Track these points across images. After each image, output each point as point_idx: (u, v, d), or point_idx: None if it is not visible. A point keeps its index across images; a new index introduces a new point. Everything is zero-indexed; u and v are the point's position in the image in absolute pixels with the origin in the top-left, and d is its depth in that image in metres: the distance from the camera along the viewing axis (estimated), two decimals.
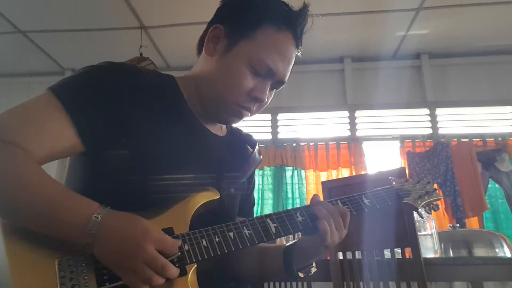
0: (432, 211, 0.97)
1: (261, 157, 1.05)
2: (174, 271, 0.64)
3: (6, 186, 0.65)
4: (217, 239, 0.72)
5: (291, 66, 0.89)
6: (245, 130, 1.05)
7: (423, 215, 0.96)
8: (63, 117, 0.72)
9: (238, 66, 0.83)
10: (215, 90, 0.86)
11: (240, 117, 0.88)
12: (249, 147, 1.01)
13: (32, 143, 0.69)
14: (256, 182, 1.10)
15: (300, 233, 0.85)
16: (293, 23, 0.87)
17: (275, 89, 0.91)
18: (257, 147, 1.03)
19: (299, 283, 1.90)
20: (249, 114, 0.89)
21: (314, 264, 0.88)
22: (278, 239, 2.20)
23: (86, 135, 0.74)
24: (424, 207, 0.96)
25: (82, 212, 0.64)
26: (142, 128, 0.78)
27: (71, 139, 0.73)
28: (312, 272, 0.86)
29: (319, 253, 0.83)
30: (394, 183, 0.97)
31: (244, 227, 0.76)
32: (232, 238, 0.73)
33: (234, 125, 1.00)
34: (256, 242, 0.75)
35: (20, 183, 0.65)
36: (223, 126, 0.99)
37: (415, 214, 0.99)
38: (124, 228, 0.64)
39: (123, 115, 0.77)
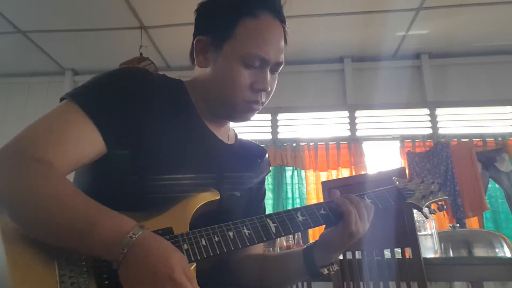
0: (438, 211, 0.95)
1: (270, 168, 1.05)
2: None
3: (36, 204, 0.65)
4: (216, 239, 0.72)
5: (282, 44, 0.88)
6: (245, 129, 1.05)
7: (428, 215, 0.94)
8: (87, 122, 0.73)
9: (231, 67, 0.84)
10: (220, 96, 0.87)
11: (252, 111, 0.89)
12: (258, 158, 1.01)
13: (59, 156, 0.69)
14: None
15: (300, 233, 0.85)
16: (266, 2, 0.86)
17: (276, 72, 0.91)
18: (266, 156, 1.04)
19: (299, 283, 1.90)
20: (260, 105, 0.89)
21: (335, 263, 0.86)
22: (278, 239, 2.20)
23: (111, 140, 0.75)
24: (428, 207, 0.94)
25: (119, 229, 0.63)
26: (148, 130, 0.79)
27: (98, 144, 0.74)
28: (335, 270, 0.84)
29: (342, 244, 0.81)
30: (397, 183, 0.95)
31: (244, 227, 0.76)
32: (232, 237, 0.73)
33: (236, 124, 1.00)
34: (256, 242, 0.75)
35: (50, 200, 0.65)
36: (231, 135, 0.99)
37: (418, 214, 0.98)
38: (152, 258, 0.61)
39: (136, 118, 0.78)
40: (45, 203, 0.65)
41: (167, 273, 0.60)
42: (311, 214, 0.82)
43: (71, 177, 0.87)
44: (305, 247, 0.87)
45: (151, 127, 0.79)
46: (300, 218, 0.80)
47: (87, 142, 0.73)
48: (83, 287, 0.64)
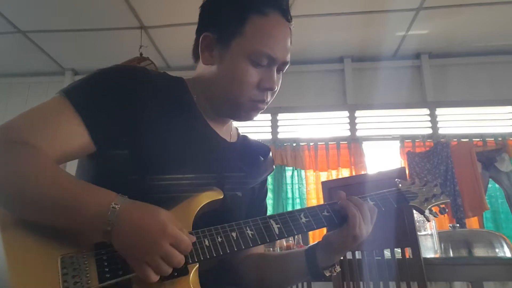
0: (439, 213, 0.94)
1: (274, 167, 1.05)
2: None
3: (25, 184, 0.66)
4: (219, 239, 0.72)
5: (289, 43, 0.88)
6: (245, 130, 1.05)
7: (430, 219, 0.93)
8: (76, 119, 0.74)
9: (239, 65, 0.83)
10: (226, 95, 0.86)
11: (257, 110, 0.89)
12: (261, 156, 1.00)
13: (46, 144, 0.70)
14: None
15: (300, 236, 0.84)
16: (276, 0, 0.86)
17: (281, 71, 0.90)
18: (269, 155, 1.03)
19: (299, 283, 1.90)
20: (265, 105, 0.89)
21: (337, 264, 0.86)
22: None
23: (98, 136, 0.75)
24: (430, 210, 0.93)
25: (101, 202, 0.65)
26: (149, 129, 0.79)
27: (84, 141, 0.74)
28: (337, 271, 0.84)
29: (345, 246, 0.81)
30: (400, 185, 0.94)
31: (247, 228, 0.75)
32: (235, 238, 0.73)
33: (239, 123, 1.00)
34: (259, 243, 0.75)
35: (38, 179, 0.66)
36: (233, 133, 0.99)
37: (418, 214, 0.97)
38: (142, 221, 0.64)
39: (133, 117, 0.78)
40: (28, 181, 0.66)
41: (160, 229, 0.63)
42: (314, 216, 0.81)
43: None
44: (307, 247, 0.87)
45: (150, 126, 0.79)
46: (303, 219, 0.80)
47: (73, 137, 0.73)
48: (86, 286, 0.64)
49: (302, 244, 2.53)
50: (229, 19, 0.85)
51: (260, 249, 1.02)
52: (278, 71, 0.88)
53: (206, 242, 0.71)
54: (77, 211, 0.65)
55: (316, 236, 3.05)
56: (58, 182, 0.67)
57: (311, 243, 2.43)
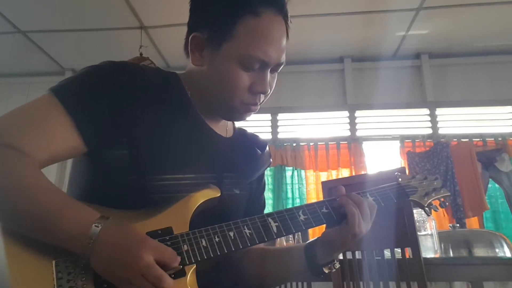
0: (440, 207, 0.93)
1: (271, 160, 1.03)
2: (170, 283, 0.61)
3: (4, 191, 0.64)
4: (217, 239, 0.71)
5: (284, 42, 0.83)
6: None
7: (429, 213, 0.92)
8: (65, 118, 0.71)
9: (229, 68, 0.80)
10: (217, 96, 0.84)
11: (249, 112, 0.87)
12: (257, 149, 0.99)
13: (33, 146, 0.68)
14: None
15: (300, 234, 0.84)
16: None
17: (276, 72, 0.87)
18: (267, 148, 1.02)
19: (299, 283, 1.90)
20: (258, 106, 0.87)
21: (337, 261, 0.84)
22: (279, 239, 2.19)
23: (89, 136, 0.73)
24: (430, 204, 0.92)
25: (83, 220, 0.63)
26: (143, 127, 0.77)
27: (74, 141, 0.72)
28: (337, 268, 0.83)
29: (345, 244, 0.79)
30: (400, 179, 0.93)
31: (245, 227, 0.74)
32: (232, 238, 0.72)
33: (239, 123, 0.99)
34: (257, 242, 0.74)
35: (18, 188, 0.64)
36: (229, 127, 0.97)
37: (418, 214, 0.97)
38: (121, 237, 0.62)
39: (125, 114, 0.76)
40: (10, 192, 0.64)
41: (140, 247, 0.61)
42: (313, 213, 0.80)
43: (67, 176, 0.86)
44: (306, 244, 0.86)
45: (145, 124, 0.77)
46: (302, 217, 0.79)
47: (62, 138, 0.71)
48: None
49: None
50: (221, 20, 0.80)
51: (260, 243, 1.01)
52: (273, 71, 0.86)
53: (203, 243, 0.69)
54: (57, 227, 0.62)
55: (316, 234, 3.05)
56: (40, 195, 0.64)
57: None
